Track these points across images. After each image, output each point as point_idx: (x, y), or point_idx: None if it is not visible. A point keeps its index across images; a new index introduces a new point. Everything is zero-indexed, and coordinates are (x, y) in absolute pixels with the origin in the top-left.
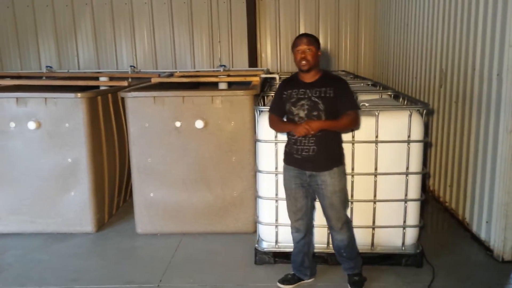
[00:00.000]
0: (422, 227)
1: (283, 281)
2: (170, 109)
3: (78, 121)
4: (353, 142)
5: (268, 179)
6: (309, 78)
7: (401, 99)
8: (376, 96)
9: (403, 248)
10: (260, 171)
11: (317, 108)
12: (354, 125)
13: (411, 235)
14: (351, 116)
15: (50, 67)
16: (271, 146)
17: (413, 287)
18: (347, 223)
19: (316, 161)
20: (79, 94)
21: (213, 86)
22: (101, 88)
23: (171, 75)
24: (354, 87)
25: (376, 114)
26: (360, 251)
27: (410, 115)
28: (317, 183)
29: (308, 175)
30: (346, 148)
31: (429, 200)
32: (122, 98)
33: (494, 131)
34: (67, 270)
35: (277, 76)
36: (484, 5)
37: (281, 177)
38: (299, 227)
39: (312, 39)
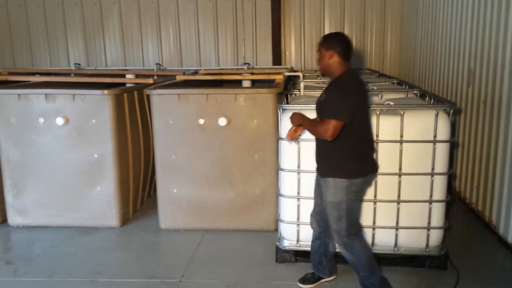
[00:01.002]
0: (447, 228)
1: (303, 280)
2: (194, 106)
3: (104, 117)
4: (377, 142)
5: (290, 177)
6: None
7: (427, 98)
8: (401, 95)
9: (427, 249)
10: (282, 169)
11: (316, 110)
12: (321, 133)
13: (436, 236)
14: (322, 124)
15: (79, 64)
16: (293, 144)
17: None
18: (347, 242)
19: (316, 162)
20: (105, 91)
21: (237, 84)
22: (128, 85)
23: (195, 73)
24: (379, 86)
25: (402, 113)
26: (383, 252)
27: (437, 115)
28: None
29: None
30: None
31: (455, 202)
32: (148, 95)
33: None
34: (92, 263)
35: (301, 74)
36: None
37: (303, 175)
38: (312, 223)
39: (321, 42)
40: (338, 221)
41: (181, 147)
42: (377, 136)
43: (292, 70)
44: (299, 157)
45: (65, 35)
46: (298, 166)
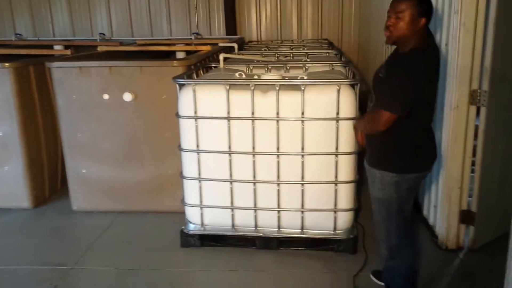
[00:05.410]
0: (357, 209)
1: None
2: (96, 80)
3: (6, 92)
4: (277, 120)
5: (191, 158)
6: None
7: (348, 72)
8: (327, 68)
9: (335, 232)
10: (182, 149)
11: (372, 87)
12: (373, 128)
13: (344, 219)
14: (373, 116)
15: (20, 34)
16: (192, 122)
17: (338, 276)
18: (396, 244)
19: (366, 148)
20: (6, 64)
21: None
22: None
23: (134, 43)
24: (314, 57)
25: (302, 88)
26: (291, 235)
27: (338, 90)
28: None
29: None
30: (270, 125)
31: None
32: (49, 69)
33: (439, 108)
34: None
35: (235, 45)
36: None
37: (203, 156)
38: None
39: (412, 2)
40: (387, 221)
41: (87, 125)
42: (277, 113)
43: (241, 40)
44: (197, 137)
45: (10, 3)
46: (197, 146)
